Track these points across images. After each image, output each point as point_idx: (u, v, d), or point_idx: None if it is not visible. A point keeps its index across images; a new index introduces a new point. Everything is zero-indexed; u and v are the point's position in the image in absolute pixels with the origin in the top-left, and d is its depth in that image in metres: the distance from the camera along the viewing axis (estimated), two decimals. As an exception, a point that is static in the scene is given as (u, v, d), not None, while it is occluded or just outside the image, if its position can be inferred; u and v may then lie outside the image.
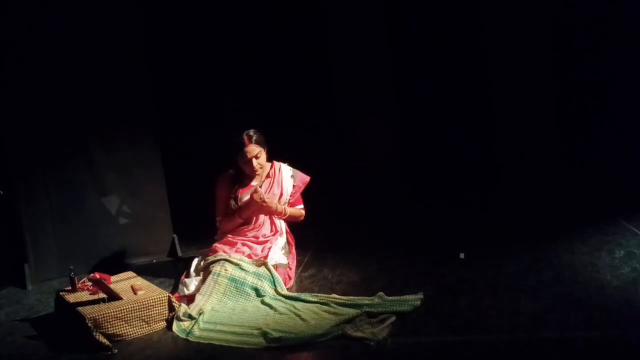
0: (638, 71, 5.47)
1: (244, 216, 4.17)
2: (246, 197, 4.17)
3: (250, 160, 4.09)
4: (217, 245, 4.16)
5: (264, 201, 4.08)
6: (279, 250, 4.17)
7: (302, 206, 4.30)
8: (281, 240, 4.22)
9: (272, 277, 3.91)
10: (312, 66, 5.97)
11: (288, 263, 4.18)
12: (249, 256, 4.05)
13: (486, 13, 5.74)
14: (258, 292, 3.82)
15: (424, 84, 5.91)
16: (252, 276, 3.87)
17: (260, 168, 4.16)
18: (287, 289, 3.98)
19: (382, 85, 5.96)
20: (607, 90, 5.58)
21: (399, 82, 5.96)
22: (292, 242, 4.35)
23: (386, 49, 5.93)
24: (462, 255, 4.23)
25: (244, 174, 4.19)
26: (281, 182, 4.24)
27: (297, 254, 4.51)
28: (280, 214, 4.20)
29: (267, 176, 4.24)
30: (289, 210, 4.23)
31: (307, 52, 5.96)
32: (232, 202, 4.19)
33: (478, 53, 5.80)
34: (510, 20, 5.68)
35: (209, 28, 5.92)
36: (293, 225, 4.41)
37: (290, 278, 4.16)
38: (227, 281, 3.82)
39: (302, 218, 4.31)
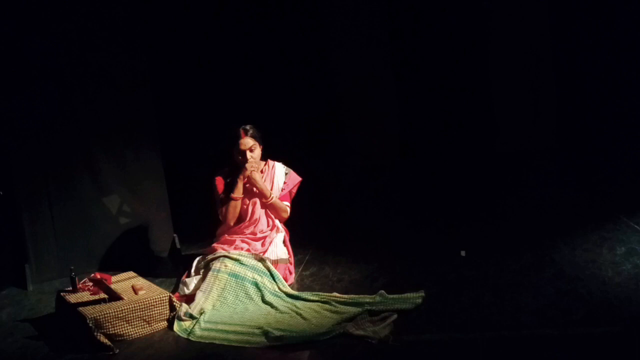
0: (639, 69, 5.48)
1: (235, 192, 4.14)
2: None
3: (244, 152, 4.12)
4: (215, 245, 4.17)
5: (251, 170, 4.09)
6: (280, 245, 4.19)
7: (288, 204, 4.29)
8: (280, 235, 4.23)
9: (272, 275, 3.91)
10: (312, 67, 5.97)
11: (288, 258, 4.19)
12: (248, 251, 4.07)
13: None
14: (258, 287, 3.82)
15: (425, 82, 5.92)
16: (252, 271, 3.88)
17: (255, 162, 4.16)
18: (289, 285, 3.99)
19: (382, 85, 5.97)
20: (608, 88, 5.59)
21: (399, 82, 5.97)
22: (288, 237, 4.35)
23: (386, 49, 5.94)
24: (463, 253, 4.23)
25: (239, 170, 4.20)
26: (273, 178, 4.27)
27: (299, 253, 4.53)
28: (266, 197, 4.18)
29: (261, 172, 4.26)
30: (275, 199, 4.21)
31: (307, 54, 5.96)
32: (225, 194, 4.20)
33: (479, 54, 5.81)
34: (512, 19, 5.70)
35: (209, 31, 5.92)
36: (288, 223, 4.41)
37: (291, 273, 4.18)
38: (227, 276, 3.82)
39: (286, 215, 4.27)
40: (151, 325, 3.57)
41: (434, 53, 5.87)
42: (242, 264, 3.90)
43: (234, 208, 4.17)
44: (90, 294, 3.75)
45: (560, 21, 5.67)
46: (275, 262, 4.06)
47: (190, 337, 3.43)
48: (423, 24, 5.87)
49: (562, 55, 5.69)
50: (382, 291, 3.64)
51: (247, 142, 4.13)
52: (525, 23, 5.74)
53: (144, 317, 3.54)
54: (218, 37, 5.94)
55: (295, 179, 4.32)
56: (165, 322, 3.63)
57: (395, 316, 3.34)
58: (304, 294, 3.79)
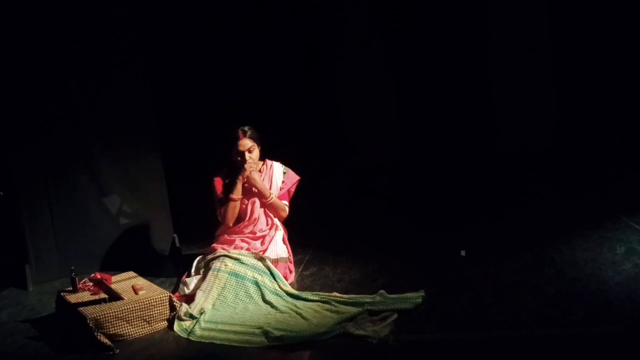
0: (638, 69, 5.48)
1: (235, 193, 4.14)
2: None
3: (242, 154, 4.12)
4: (215, 245, 4.18)
5: (250, 170, 4.10)
6: (280, 243, 4.21)
7: (287, 203, 4.30)
8: (279, 234, 4.24)
9: (272, 273, 3.92)
10: (312, 67, 5.98)
11: (288, 257, 4.20)
12: (248, 250, 4.08)
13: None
14: (258, 286, 3.82)
15: (425, 81, 5.92)
16: (252, 270, 3.89)
17: (253, 163, 4.17)
18: (289, 283, 4.00)
19: (383, 85, 5.97)
20: (608, 88, 5.59)
21: (399, 82, 5.97)
22: (286, 236, 4.35)
23: (386, 49, 5.94)
24: (463, 253, 4.23)
25: (237, 171, 4.21)
26: (271, 177, 4.28)
27: (299, 253, 4.53)
28: (265, 196, 4.19)
29: (259, 172, 4.27)
30: (274, 199, 4.22)
31: (307, 54, 5.96)
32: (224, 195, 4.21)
33: (479, 54, 5.81)
34: (512, 17, 5.70)
35: (208, 30, 5.92)
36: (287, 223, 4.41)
37: (291, 272, 4.19)
38: (227, 275, 3.83)
39: (285, 214, 4.28)
40: (151, 325, 3.57)
41: (434, 53, 5.87)
42: (242, 263, 3.90)
43: (233, 209, 4.18)
44: (91, 294, 3.75)
45: (560, 21, 5.66)
46: (275, 261, 4.07)
47: (190, 337, 3.43)
48: (423, 24, 5.87)
49: (562, 55, 5.69)
50: (382, 291, 3.64)
51: (246, 143, 4.14)
52: (525, 23, 5.74)
53: (144, 317, 3.55)
54: (218, 37, 5.95)
55: (294, 178, 4.32)
56: (166, 322, 3.63)
57: (395, 316, 3.34)
58: (304, 294, 3.79)
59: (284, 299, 3.76)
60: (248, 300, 3.76)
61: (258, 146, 4.20)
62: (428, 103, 5.95)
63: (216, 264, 3.90)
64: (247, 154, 4.14)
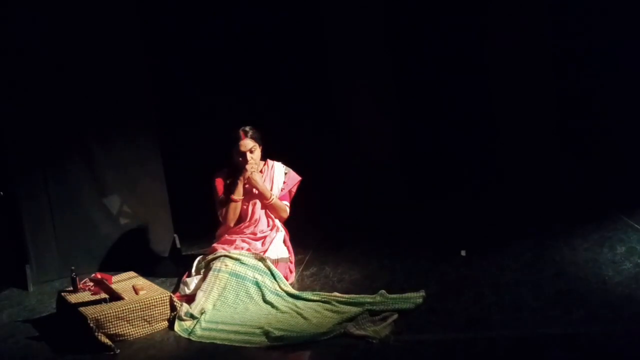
0: (638, 70, 5.48)
1: (236, 193, 4.15)
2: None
3: (244, 154, 4.12)
4: (216, 245, 4.18)
5: (252, 171, 4.11)
6: (280, 244, 4.20)
7: (287, 203, 4.30)
8: (280, 235, 4.24)
9: (272, 274, 3.92)
10: (311, 65, 5.97)
11: (289, 257, 4.21)
12: (248, 250, 4.08)
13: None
14: (259, 286, 3.83)
15: (424, 81, 5.91)
16: (252, 271, 3.89)
17: (255, 163, 4.18)
18: (290, 283, 4.00)
19: (382, 82, 5.96)
20: (608, 87, 5.58)
21: (399, 80, 5.96)
22: (287, 236, 4.35)
23: (385, 46, 5.93)
24: (463, 253, 4.24)
25: (238, 171, 4.21)
26: (273, 178, 4.28)
27: (299, 253, 4.53)
28: (266, 197, 4.19)
29: (261, 172, 4.27)
30: (275, 200, 4.22)
31: (306, 51, 5.96)
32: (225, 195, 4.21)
33: (479, 51, 5.80)
34: (511, 17, 5.69)
35: (208, 28, 5.92)
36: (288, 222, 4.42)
37: (291, 272, 4.19)
38: (227, 276, 3.83)
39: (285, 215, 4.29)
40: (152, 325, 3.58)
41: (434, 53, 5.87)
42: (242, 263, 3.91)
43: (234, 209, 4.18)
44: (91, 294, 3.76)
45: (560, 20, 5.66)
46: (276, 261, 4.07)
47: (191, 337, 3.43)
48: (423, 24, 5.87)
49: (562, 56, 5.68)
50: (383, 291, 3.65)
51: (247, 143, 4.14)
52: (525, 23, 5.73)
53: (145, 317, 3.55)
54: (218, 36, 5.94)
55: (295, 178, 4.33)
56: (166, 322, 3.63)
57: (396, 316, 3.34)
58: (305, 294, 3.80)
59: (284, 299, 3.77)
60: (248, 301, 3.77)
61: (259, 146, 4.20)
62: (428, 103, 5.94)
63: (217, 264, 3.90)
64: (248, 155, 4.14)
